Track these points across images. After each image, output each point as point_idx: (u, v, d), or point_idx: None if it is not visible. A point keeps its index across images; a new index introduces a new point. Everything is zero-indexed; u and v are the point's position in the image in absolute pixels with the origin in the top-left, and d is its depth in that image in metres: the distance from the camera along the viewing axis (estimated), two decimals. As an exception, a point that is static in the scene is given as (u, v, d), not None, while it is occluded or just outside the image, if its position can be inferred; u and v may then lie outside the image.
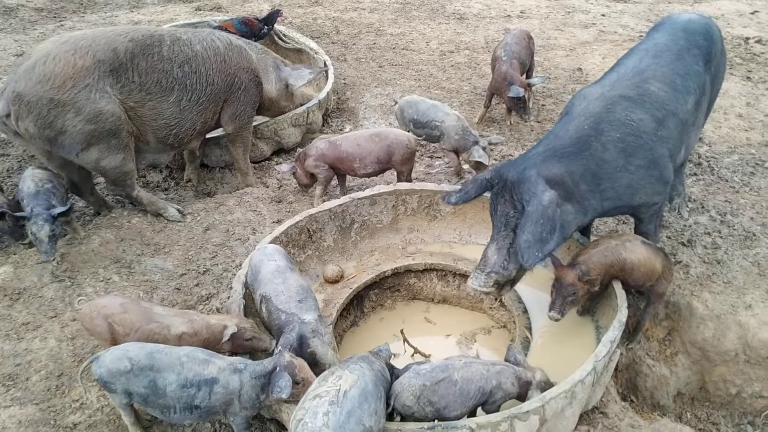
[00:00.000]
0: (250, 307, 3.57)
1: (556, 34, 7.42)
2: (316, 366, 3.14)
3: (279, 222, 4.36)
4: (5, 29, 7.42)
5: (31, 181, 4.17)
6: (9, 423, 3.10)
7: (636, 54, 3.96)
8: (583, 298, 3.53)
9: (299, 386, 2.87)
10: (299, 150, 4.71)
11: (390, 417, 2.91)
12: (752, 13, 8.36)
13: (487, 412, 3.01)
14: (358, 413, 2.50)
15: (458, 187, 3.87)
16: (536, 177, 3.38)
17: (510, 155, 5.31)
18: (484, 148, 4.71)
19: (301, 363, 2.96)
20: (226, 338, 3.21)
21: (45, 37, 7.09)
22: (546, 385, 3.13)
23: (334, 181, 4.81)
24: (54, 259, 4.01)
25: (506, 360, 3.23)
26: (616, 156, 3.53)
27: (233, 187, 5.09)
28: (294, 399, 2.85)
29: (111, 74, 4.15)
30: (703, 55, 3.97)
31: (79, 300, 3.39)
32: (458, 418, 2.92)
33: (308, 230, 4.11)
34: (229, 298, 3.62)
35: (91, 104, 4.07)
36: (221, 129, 4.88)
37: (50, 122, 4.01)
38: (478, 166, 4.79)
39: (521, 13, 8.01)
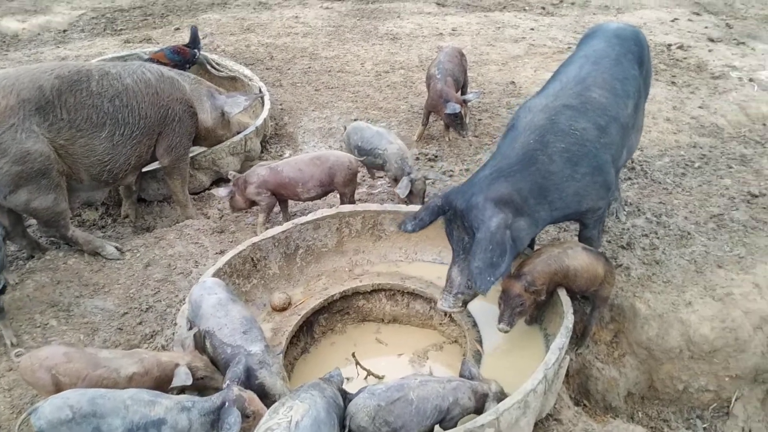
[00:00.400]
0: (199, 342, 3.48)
1: (488, 50, 7.57)
2: (266, 398, 3.07)
3: (222, 253, 4.28)
4: (-76, 71, 7.14)
5: None
6: None
7: (576, 62, 4.03)
8: (531, 308, 3.57)
9: (250, 420, 2.81)
10: (237, 175, 4.63)
11: None
12: (672, 21, 8.71)
13: (445, 429, 3.00)
14: None
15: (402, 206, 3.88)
16: (483, 202, 3.43)
17: (451, 170, 5.37)
18: (412, 181, 4.63)
19: (250, 396, 2.89)
20: (175, 382, 3.12)
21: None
22: (502, 395, 3.15)
23: (277, 208, 4.75)
24: None
25: (461, 374, 3.24)
26: (563, 166, 3.59)
27: (173, 220, 4.99)
28: None
29: (37, 113, 4.02)
30: (637, 60, 4.11)
31: (17, 353, 3.21)
32: None
33: (252, 259, 4.05)
34: (174, 334, 3.52)
35: (17, 145, 3.93)
36: (157, 162, 4.78)
37: None
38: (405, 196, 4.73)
39: (453, 30, 8.15)
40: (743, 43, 8.11)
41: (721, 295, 4.09)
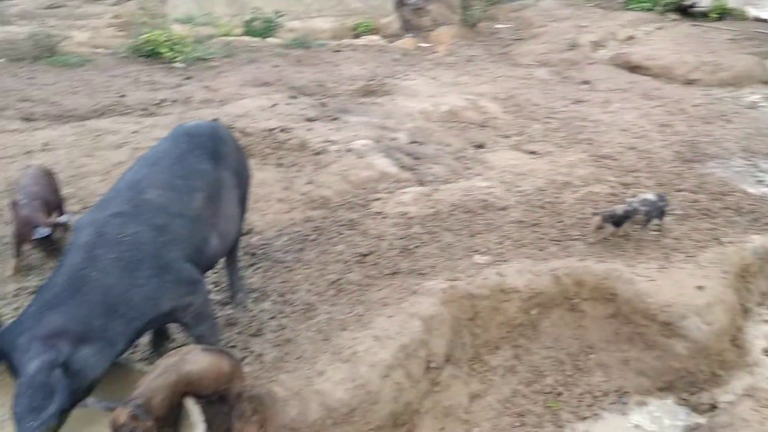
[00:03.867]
0: None
1: (87, 161, 7.12)
2: None
3: None
4: None
5: None
6: None
7: (133, 167, 4.02)
8: (154, 431, 3.28)
9: None
10: None
11: None
12: (272, 107, 9.29)
13: None
14: None
15: None
16: (27, 343, 3.20)
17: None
18: None
19: None
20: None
21: None
22: None
23: None
24: None
25: None
26: (120, 277, 3.48)
27: None
28: None
29: None
30: (209, 154, 4.17)
31: None
32: None
33: None
34: None
35: None
36: None
37: None
38: None
39: (45, 145, 7.45)
40: (337, 118, 8.99)
41: (348, 356, 4.29)
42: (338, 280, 5.22)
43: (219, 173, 4.19)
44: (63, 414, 3.27)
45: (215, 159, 4.20)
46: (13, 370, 3.26)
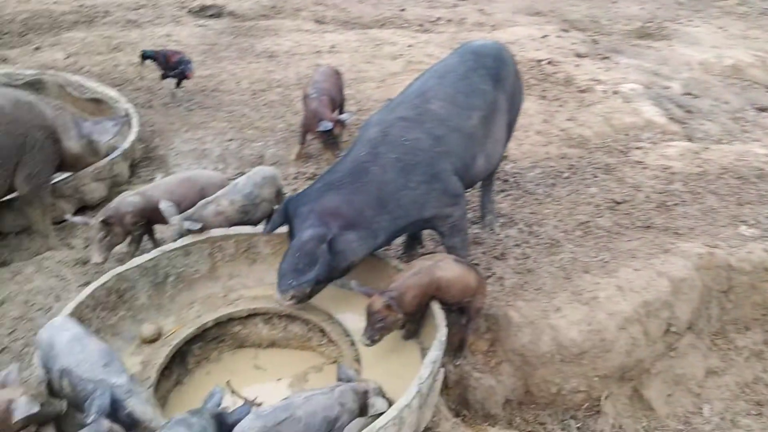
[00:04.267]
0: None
1: (366, 67, 7.63)
2: (137, 427, 2.94)
3: (86, 285, 4.03)
4: None
5: None
6: None
7: (423, 76, 4.25)
8: (395, 325, 3.58)
9: None
10: (107, 211, 4.32)
11: None
12: (542, 38, 9.11)
13: None
14: None
15: None
16: (307, 213, 3.67)
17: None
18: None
19: (118, 430, 2.76)
20: (20, 414, 2.89)
21: None
22: (381, 391, 3.20)
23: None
24: None
25: (339, 378, 3.25)
26: (396, 176, 3.75)
27: (32, 252, 4.66)
28: None
29: None
30: (491, 76, 4.25)
31: None
32: None
33: (117, 290, 3.83)
34: (32, 375, 3.26)
35: None
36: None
37: None
38: None
39: (331, 47, 8.16)
40: (608, 57, 8.59)
41: (587, 299, 4.27)
42: (587, 222, 5.13)
43: (497, 95, 4.27)
44: (317, 284, 3.74)
45: (496, 80, 4.28)
46: (291, 234, 3.77)
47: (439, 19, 9.82)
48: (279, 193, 4.51)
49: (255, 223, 4.37)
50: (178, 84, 6.64)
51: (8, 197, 4.58)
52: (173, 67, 6.41)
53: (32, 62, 7.24)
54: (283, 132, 6.19)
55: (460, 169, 4.01)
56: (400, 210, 3.79)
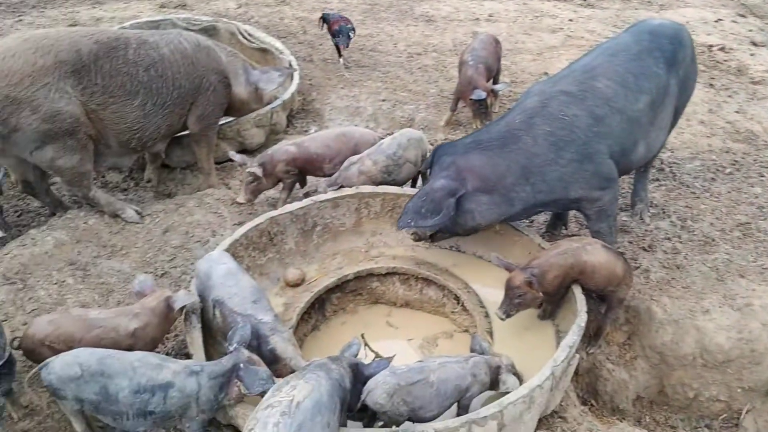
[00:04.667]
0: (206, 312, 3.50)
1: (523, 38, 7.45)
2: (277, 362, 3.13)
3: (240, 224, 4.28)
4: (-38, 23, 7.23)
5: None
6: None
7: (593, 52, 4.09)
8: (533, 302, 3.54)
9: None
10: (263, 157, 4.56)
11: (363, 411, 2.92)
12: (716, 21, 8.47)
13: (462, 405, 3.07)
14: (309, 425, 2.45)
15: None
16: (448, 164, 3.74)
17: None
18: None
19: (258, 361, 2.93)
20: (179, 303, 3.24)
21: (2, 33, 6.92)
22: (513, 369, 3.22)
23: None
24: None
25: (472, 349, 3.29)
26: (546, 150, 3.69)
27: (194, 188, 5.00)
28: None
29: (73, 75, 4.06)
30: (666, 59, 4.03)
31: (13, 339, 3.18)
32: (434, 417, 2.96)
33: (269, 233, 4.05)
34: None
35: (49, 103, 3.98)
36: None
37: (4, 119, 3.92)
38: None
39: (489, 16, 8.02)
40: (787, 49, 7.87)
41: (740, 305, 4.01)
42: (747, 223, 4.78)
43: (669, 80, 4.04)
44: (434, 234, 3.93)
45: (670, 64, 4.03)
46: (425, 177, 3.87)
47: (604, -7, 9.36)
48: (424, 157, 4.53)
49: (399, 184, 4.43)
50: (338, 53, 6.65)
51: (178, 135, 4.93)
52: (333, 34, 6.48)
53: (207, 9, 7.65)
54: (435, 97, 6.20)
55: (617, 153, 3.85)
56: (544, 185, 3.73)
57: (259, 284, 3.57)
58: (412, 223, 3.71)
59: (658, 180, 5.30)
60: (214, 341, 3.47)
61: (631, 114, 3.86)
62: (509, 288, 3.51)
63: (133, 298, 3.43)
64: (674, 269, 4.29)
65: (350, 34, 6.42)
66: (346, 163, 4.41)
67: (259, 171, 4.41)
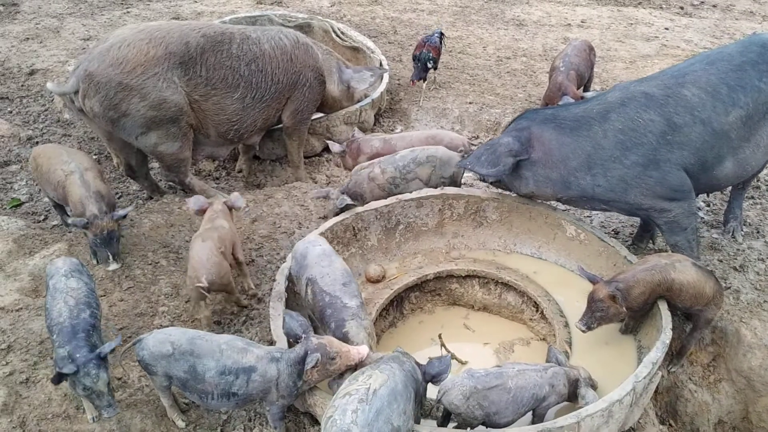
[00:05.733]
0: (291, 301, 3.61)
1: (616, 46, 7.29)
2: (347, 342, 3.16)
3: (325, 218, 4.39)
4: (75, 13, 7.66)
5: (63, 304, 3.03)
6: (55, 395, 3.20)
7: (693, 59, 4.00)
8: (617, 317, 3.48)
9: (336, 361, 2.94)
10: (352, 142, 4.76)
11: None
12: (824, 35, 8.02)
13: (538, 414, 3.06)
14: (386, 412, 2.52)
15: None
16: (524, 126, 3.89)
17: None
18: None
19: (329, 340, 3.00)
20: (239, 203, 4.02)
21: (111, 23, 7.31)
22: (592, 381, 3.20)
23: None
24: None
25: (548, 361, 3.27)
26: (614, 146, 3.71)
27: (283, 180, 5.16)
28: (332, 375, 2.97)
29: (180, 66, 4.28)
30: None
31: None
32: (509, 424, 2.97)
33: (353, 228, 4.13)
34: (271, 290, 3.65)
35: (157, 92, 4.20)
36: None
37: (116, 104, 4.17)
38: None
39: (582, 22, 7.89)
40: None
41: (836, 333, 3.82)
42: None
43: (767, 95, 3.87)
44: (493, 183, 4.18)
45: None
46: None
47: (703, 2, 9.03)
48: (450, 178, 4.39)
49: None
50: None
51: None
52: (413, 57, 6.04)
53: (302, 6, 7.85)
54: (522, 102, 6.15)
55: (694, 166, 3.75)
56: (605, 180, 3.75)
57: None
58: (469, 166, 3.97)
59: (753, 198, 5.10)
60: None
61: (718, 127, 3.73)
62: (592, 300, 3.46)
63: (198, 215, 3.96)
64: (767, 292, 4.12)
65: (428, 64, 5.95)
66: (356, 168, 4.44)
67: (339, 148, 4.78)
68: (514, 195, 4.35)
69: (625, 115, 3.72)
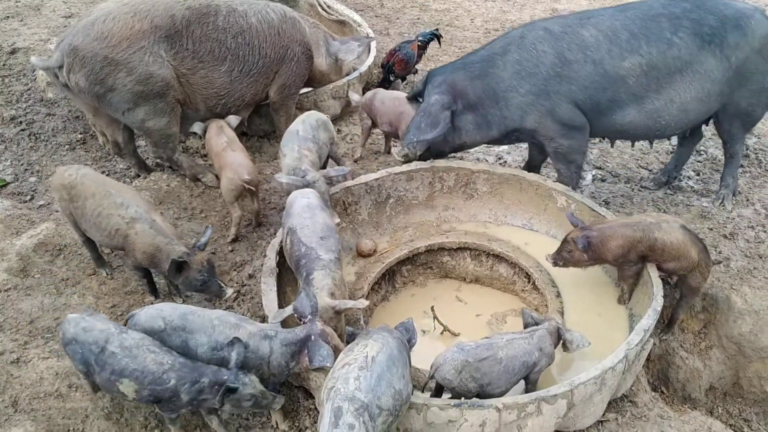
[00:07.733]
0: (283, 276, 3.60)
1: (605, 16, 7.24)
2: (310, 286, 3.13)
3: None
4: (55, -10, 7.50)
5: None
6: (46, 374, 3.18)
7: (612, 8, 4.12)
8: (579, 263, 3.57)
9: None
10: (367, 94, 4.90)
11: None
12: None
13: (532, 380, 3.08)
14: (387, 376, 2.54)
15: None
16: (440, 82, 4.07)
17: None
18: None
19: (330, 332, 2.97)
20: (234, 122, 4.53)
21: (93, 0, 7.17)
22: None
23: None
24: None
25: (525, 324, 3.28)
26: (511, 77, 3.95)
27: (271, 156, 5.11)
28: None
29: (166, 40, 4.21)
30: (701, 34, 3.88)
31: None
32: (503, 393, 2.99)
33: (343, 202, 4.11)
34: (262, 266, 3.63)
35: (143, 66, 4.14)
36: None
37: (101, 79, 4.10)
38: None
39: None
40: None
41: (826, 298, 3.85)
42: (840, 217, 4.56)
43: (699, 57, 3.86)
44: (429, 150, 4.16)
45: (707, 42, 3.85)
46: (420, 97, 4.24)
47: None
48: (332, 140, 4.42)
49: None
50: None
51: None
52: (382, 65, 5.82)
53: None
54: (511, 74, 6.10)
55: (585, 104, 3.95)
56: (507, 110, 3.99)
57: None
58: (414, 139, 4.03)
59: (742, 166, 5.10)
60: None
61: (611, 69, 3.88)
62: (564, 241, 3.56)
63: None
64: (757, 258, 4.14)
65: (390, 77, 5.76)
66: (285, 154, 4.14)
67: (357, 98, 5.00)
68: (505, 167, 4.35)
69: (522, 47, 3.96)
